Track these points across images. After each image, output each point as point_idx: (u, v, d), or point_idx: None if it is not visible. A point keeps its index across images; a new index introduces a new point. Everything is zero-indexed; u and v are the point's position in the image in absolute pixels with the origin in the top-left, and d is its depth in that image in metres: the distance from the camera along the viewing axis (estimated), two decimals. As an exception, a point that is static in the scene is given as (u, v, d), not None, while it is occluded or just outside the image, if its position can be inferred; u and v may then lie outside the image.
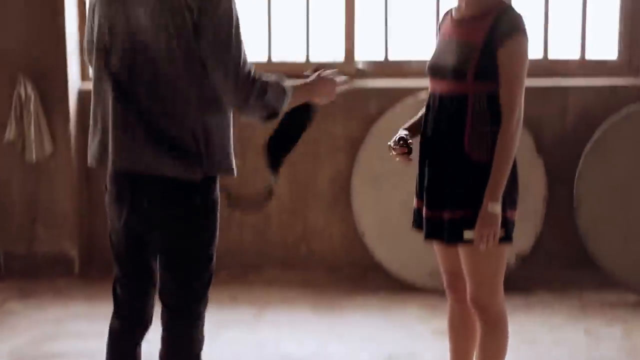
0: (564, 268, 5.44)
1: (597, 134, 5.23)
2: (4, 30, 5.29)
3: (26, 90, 5.21)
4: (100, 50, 2.97)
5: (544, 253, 5.40)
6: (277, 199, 5.45)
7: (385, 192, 5.27)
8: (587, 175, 5.24)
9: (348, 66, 5.46)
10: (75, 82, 5.44)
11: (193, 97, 2.90)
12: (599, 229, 5.21)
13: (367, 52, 5.60)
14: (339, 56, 5.54)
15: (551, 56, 5.58)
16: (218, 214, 3.04)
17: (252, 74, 2.91)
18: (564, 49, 5.62)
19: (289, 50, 5.61)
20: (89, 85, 3.15)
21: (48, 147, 5.31)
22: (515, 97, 3.20)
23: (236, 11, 2.89)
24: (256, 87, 2.90)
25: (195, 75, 2.88)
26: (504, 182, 3.19)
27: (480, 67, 3.19)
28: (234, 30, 2.87)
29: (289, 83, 3.00)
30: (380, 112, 5.37)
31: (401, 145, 3.32)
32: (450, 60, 3.25)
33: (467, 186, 3.23)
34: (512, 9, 3.25)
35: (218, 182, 3.03)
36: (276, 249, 5.58)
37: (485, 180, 3.18)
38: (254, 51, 5.40)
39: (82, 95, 5.42)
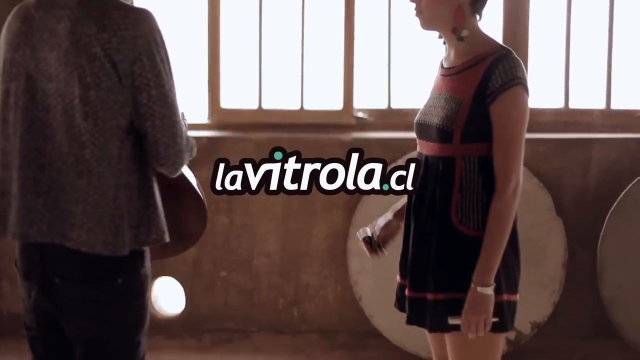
0: (585, 339, 5.21)
1: (624, 192, 5.05)
2: None
3: None
4: (4, 103, 2.62)
5: (564, 322, 5.14)
6: (266, 257, 5.28)
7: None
8: (612, 238, 5.04)
9: (347, 116, 5.29)
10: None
11: (113, 156, 2.52)
12: (625, 296, 4.98)
13: (367, 100, 5.44)
14: (337, 104, 5.35)
15: (573, 106, 5.42)
16: (147, 294, 2.69)
17: (189, 143, 2.67)
18: (587, 99, 5.49)
19: (282, 98, 5.43)
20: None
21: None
22: (511, 160, 2.84)
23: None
24: (188, 156, 2.66)
25: (117, 130, 2.52)
26: (497, 261, 2.84)
27: (468, 127, 2.84)
28: (172, 81, 2.56)
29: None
30: (382, 166, 5.08)
31: (366, 242, 3.17)
32: (435, 119, 2.92)
33: (453, 263, 2.90)
34: (508, 56, 2.86)
35: (147, 255, 2.67)
36: (265, 313, 5.37)
37: (475, 257, 2.85)
38: (243, 98, 5.41)
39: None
